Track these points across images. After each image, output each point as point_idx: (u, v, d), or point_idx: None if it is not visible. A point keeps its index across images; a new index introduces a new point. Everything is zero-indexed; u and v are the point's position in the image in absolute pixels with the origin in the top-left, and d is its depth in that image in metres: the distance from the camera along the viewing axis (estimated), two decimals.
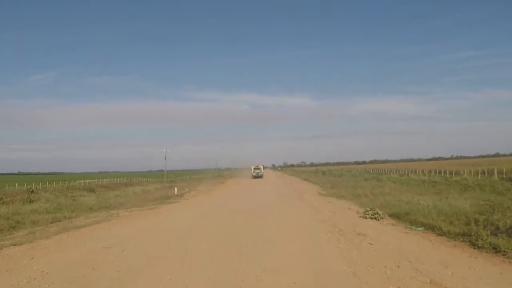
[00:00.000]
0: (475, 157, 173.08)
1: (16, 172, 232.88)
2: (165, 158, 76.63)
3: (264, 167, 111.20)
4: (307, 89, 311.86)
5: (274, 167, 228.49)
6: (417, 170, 54.61)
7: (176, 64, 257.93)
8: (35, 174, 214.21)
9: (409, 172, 55.08)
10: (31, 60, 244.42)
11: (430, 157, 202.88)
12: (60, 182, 59.15)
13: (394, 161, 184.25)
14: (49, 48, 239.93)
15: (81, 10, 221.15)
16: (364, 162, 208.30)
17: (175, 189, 33.57)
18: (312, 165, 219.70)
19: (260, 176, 73.15)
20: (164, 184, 55.51)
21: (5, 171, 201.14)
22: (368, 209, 17.17)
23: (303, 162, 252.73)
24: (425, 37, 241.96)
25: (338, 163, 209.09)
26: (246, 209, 19.73)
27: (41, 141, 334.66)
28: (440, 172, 47.68)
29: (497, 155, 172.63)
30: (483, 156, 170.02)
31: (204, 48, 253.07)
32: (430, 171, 50.73)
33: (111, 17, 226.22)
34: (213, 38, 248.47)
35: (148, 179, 74.07)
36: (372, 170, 72.70)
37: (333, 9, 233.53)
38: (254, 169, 76.44)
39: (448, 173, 46.63)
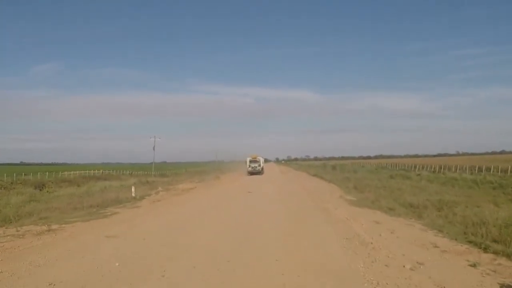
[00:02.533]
0: (481, 153, 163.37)
1: (18, 162, 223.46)
2: (154, 149, 64.85)
3: (267, 160, 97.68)
4: (311, 83, 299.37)
5: (277, 161, 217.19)
6: (452, 167, 43.14)
7: (181, 57, 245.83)
8: (37, 164, 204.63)
9: (441, 169, 43.57)
10: (35, 51, 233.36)
11: (435, 153, 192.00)
12: (36, 173, 48.53)
13: (399, 157, 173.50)
14: (53, 40, 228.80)
15: (86, 3, 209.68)
16: (369, 157, 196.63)
17: (133, 189, 22.39)
18: (316, 159, 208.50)
19: (258, 172, 51.84)
20: (143, 178, 44.29)
21: (7, 161, 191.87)
22: None
23: (307, 156, 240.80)
24: (430, 33, 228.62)
25: (342, 158, 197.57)
26: (215, 255, 8.42)
27: (45, 131, 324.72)
28: (489, 169, 36.39)
29: (503, 152, 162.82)
30: (488, 153, 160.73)
31: (209, 42, 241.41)
32: (471, 168, 39.34)
33: (116, 10, 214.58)
34: (218, 32, 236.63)
35: (134, 172, 62.97)
36: (390, 165, 61.16)
37: (338, 5, 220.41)
38: (250, 162, 52.97)
39: (499, 170, 35.31)
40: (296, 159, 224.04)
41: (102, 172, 55.34)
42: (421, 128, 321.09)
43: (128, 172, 61.16)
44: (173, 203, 19.19)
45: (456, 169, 40.91)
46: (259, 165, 52.93)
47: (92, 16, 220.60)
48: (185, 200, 20.67)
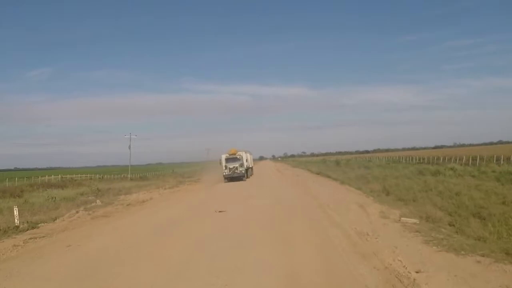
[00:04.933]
0: (477, 144, 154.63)
1: (12, 168, 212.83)
2: (129, 147, 54.73)
3: (262, 158, 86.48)
4: (305, 79, 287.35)
5: (274, 158, 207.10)
6: (491, 158, 33.42)
7: (175, 57, 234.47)
8: (31, 169, 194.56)
9: (475, 160, 33.90)
10: (28, 56, 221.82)
11: (432, 145, 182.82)
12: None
13: (397, 150, 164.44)
14: (46, 44, 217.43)
15: (78, 4, 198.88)
16: (367, 151, 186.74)
17: (15, 212, 12.49)
18: (313, 155, 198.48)
19: (241, 177, 31.67)
20: (102, 184, 34.39)
21: (2, 167, 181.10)
22: None
23: (303, 152, 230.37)
24: (422, 25, 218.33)
25: (339, 153, 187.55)
26: None
27: (40, 136, 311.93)
28: None
29: (500, 142, 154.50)
30: (485, 144, 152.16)
31: (202, 40, 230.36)
32: None
33: (108, 11, 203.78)
34: (210, 30, 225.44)
35: (111, 176, 52.96)
36: (404, 158, 51.34)
37: None
38: (227, 161, 31.90)
39: None
40: (292, 156, 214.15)
41: (61, 177, 45.35)
42: (417, 120, 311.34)
43: (98, 176, 51.12)
44: (66, 243, 9.25)
45: (500, 161, 31.22)
46: (241, 165, 31.90)
47: (83, 18, 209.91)
48: (96, 234, 10.58)
